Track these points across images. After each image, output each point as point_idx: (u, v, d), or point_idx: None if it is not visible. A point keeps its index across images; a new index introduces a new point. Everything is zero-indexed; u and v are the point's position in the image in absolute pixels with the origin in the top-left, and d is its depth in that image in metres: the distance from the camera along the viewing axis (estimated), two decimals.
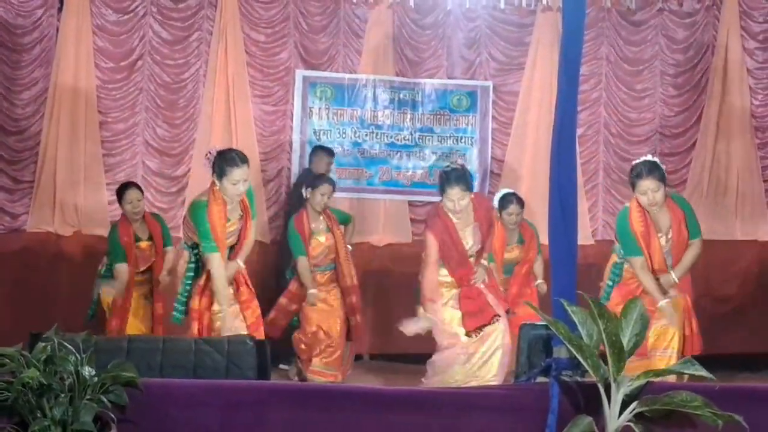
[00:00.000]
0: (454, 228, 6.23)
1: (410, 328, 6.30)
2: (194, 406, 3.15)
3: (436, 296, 6.19)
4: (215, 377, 3.49)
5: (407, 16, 9.27)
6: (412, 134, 9.30)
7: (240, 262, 5.78)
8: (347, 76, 9.21)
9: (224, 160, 5.61)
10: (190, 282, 5.76)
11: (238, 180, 5.56)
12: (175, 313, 5.86)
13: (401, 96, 9.29)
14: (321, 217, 7.49)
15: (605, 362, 3.10)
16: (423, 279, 6.27)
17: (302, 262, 7.32)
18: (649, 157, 6.01)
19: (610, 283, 6.18)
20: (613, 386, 3.08)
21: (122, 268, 7.08)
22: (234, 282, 5.76)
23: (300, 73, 9.14)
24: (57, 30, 8.77)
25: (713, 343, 8.59)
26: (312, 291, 7.30)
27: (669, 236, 5.85)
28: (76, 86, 8.74)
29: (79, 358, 2.91)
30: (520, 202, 7.62)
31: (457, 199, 6.14)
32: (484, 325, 6.05)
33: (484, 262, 6.42)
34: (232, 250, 5.79)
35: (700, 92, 9.43)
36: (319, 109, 9.19)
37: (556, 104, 3.56)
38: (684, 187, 9.24)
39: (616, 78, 9.43)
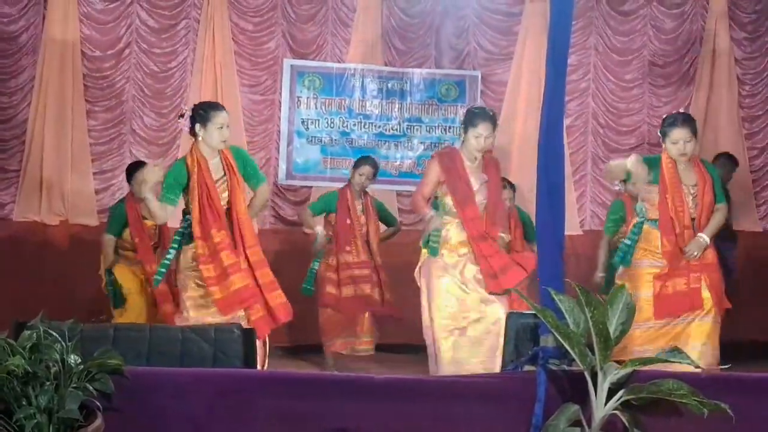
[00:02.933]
0: (463, 166, 6.00)
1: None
2: (181, 395, 3.14)
3: (427, 208, 6.06)
4: (202, 366, 3.48)
5: (396, 5, 9.26)
6: (400, 124, 9.30)
7: (254, 222, 5.70)
8: (335, 65, 9.21)
9: (207, 106, 5.71)
10: (176, 246, 5.67)
11: (223, 123, 5.55)
12: (156, 276, 5.83)
13: (389, 86, 9.29)
14: (360, 199, 7.71)
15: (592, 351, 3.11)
16: (412, 199, 6.26)
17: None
18: (681, 110, 6.03)
19: (629, 242, 6.02)
20: (600, 374, 3.08)
21: (109, 239, 7.13)
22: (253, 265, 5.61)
23: (288, 62, 9.13)
24: (44, 18, 8.73)
25: None
26: (318, 228, 7.49)
27: (694, 194, 5.85)
28: (63, 75, 8.72)
29: (64, 346, 2.89)
30: (512, 187, 7.70)
31: (485, 135, 5.91)
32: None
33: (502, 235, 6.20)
34: (229, 217, 5.61)
35: (688, 82, 9.47)
36: (307, 98, 9.18)
37: (544, 94, 3.55)
38: None
39: (605, 68, 9.45)
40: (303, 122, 9.18)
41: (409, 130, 9.32)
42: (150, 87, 8.93)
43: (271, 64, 9.15)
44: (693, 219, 5.86)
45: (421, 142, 9.33)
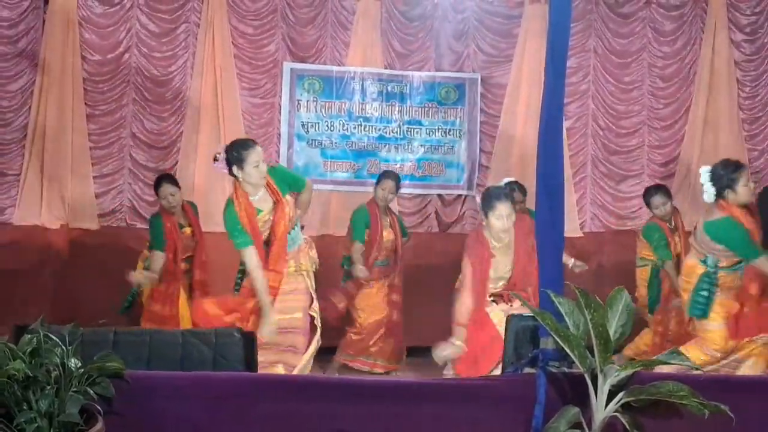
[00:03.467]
0: (489, 250, 5.82)
1: (441, 354, 5.63)
2: (181, 399, 3.14)
3: (466, 320, 5.77)
4: (202, 369, 3.48)
5: (395, 8, 9.26)
6: (400, 126, 9.30)
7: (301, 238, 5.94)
8: (335, 68, 9.20)
9: (238, 146, 5.72)
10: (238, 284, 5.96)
11: (258, 160, 5.62)
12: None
13: (389, 88, 9.28)
14: (387, 213, 7.85)
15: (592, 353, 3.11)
16: (457, 303, 5.80)
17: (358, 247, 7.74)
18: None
19: (705, 294, 6.01)
20: (600, 377, 3.08)
21: (159, 256, 7.09)
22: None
23: (288, 65, 9.13)
24: (43, 22, 8.73)
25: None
26: (360, 267, 7.55)
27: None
28: (63, 78, 8.71)
29: (65, 350, 2.89)
30: (522, 190, 7.84)
31: (506, 215, 5.70)
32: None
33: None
34: (268, 246, 5.74)
35: (688, 84, 9.47)
36: (307, 101, 9.18)
37: (543, 96, 3.55)
38: (672, 179, 9.28)
39: (604, 70, 9.45)
40: (303, 125, 9.18)
41: (409, 133, 9.31)
42: (150, 91, 8.92)
43: (270, 68, 9.15)
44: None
45: (421, 145, 9.32)
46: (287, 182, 5.87)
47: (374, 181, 8.02)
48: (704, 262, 6.04)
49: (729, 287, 5.99)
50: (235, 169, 5.65)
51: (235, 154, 5.64)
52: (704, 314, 5.98)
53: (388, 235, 7.80)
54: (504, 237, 5.79)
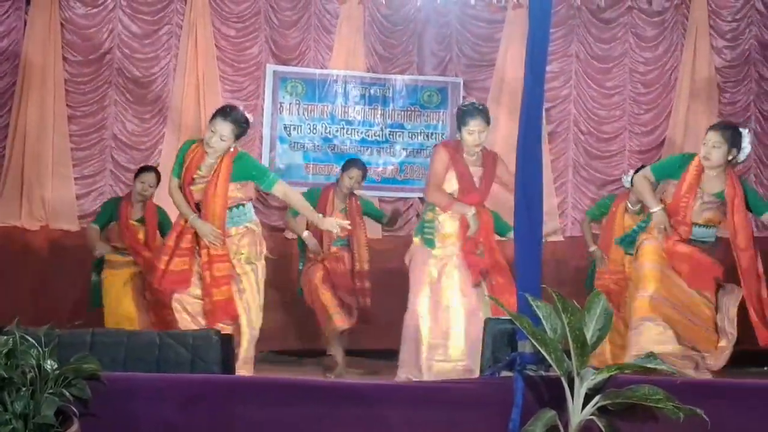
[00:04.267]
0: (464, 158, 6.17)
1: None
2: (158, 400, 3.14)
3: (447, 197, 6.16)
4: (180, 371, 3.48)
5: (378, 11, 9.27)
6: (382, 130, 9.31)
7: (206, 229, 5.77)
8: (318, 71, 9.20)
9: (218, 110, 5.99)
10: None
11: (214, 130, 5.74)
12: None
13: (372, 92, 9.29)
14: (345, 199, 7.71)
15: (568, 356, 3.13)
16: (432, 198, 6.24)
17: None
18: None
19: (636, 229, 6.24)
20: (577, 380, 3.10)
21: (92, 229, 7.36)
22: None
23: (270, 68, 9.12)
24: (25, 23, 8.70)
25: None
26: (305, 233, 7.45)
27: (706, 201, 5.90)
28: (45, 80, 8.68)
29: (41, 351, 2.89)
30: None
31: (477, 131, 6.07)
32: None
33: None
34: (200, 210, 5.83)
35: (669, 90, 9.51)
36: (290, 104, 9.18)
37: (522, 100, 3.58)
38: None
39: (586, 75, 9.48)
40: (285, 128, 9.17)
41: (391, 137, 9.32)
42: (132, 92, 8.90)
43: (253, 70, 9.14)
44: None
45: (404, 149, 9.33)
46: (247, 172, 5.89)
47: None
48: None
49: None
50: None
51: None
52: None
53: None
54: (475, 152, 6.17)
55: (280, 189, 5.94)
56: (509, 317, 3.29)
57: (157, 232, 7.32)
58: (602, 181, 9.43)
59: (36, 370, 2.85)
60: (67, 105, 8.76)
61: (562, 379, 3.12)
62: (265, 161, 9.02)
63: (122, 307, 7.10)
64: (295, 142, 9.14)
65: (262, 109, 9.13)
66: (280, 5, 9.17)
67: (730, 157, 5.83)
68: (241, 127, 5.85)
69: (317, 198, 7.59)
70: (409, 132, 9.35)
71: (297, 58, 9.22)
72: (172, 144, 8.79)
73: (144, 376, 3.28)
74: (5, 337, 2.85)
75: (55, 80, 8.69)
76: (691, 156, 6.01)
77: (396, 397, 3.38)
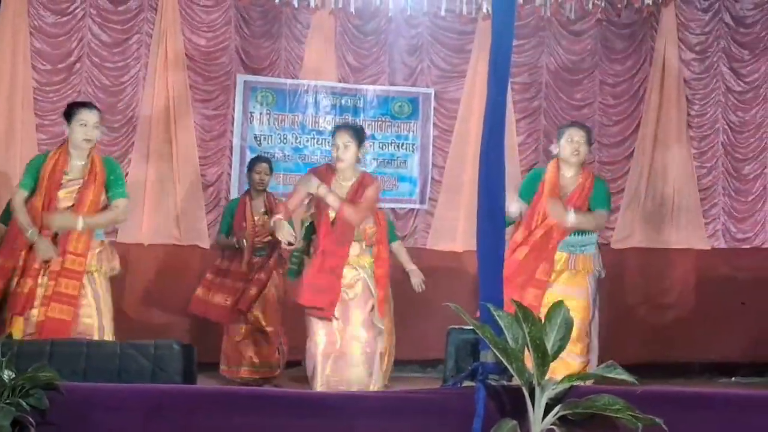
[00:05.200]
0: (331, 180, 5.74)
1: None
2: (117, 410, 3.11)
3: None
4: (141, 382, 3.46)
5: (349, 21, 9.28)
6: None
7: (80, 222, 5.41)
8: (289, 81, 9.20)
9: (73, 104, 5.79)
10: None
11: (87, 121, 5.53)
12: None
13: (343, 102, 9.30)
14: (262, 199, 7.66)
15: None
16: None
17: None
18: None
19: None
20: (537, 390, 3.10)
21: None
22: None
23: (241, 77, 9.11)
24: None
25: (652, 352, 8.77)
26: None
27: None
28: (13, 88, 8.62)
29: None
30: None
31: (341, 143, 5.67)
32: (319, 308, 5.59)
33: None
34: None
35: (638, 102, 9.57)
36: (260, 114, 9.16)
37: (485, 109, 3.59)
38: (621, 195, 9.36)
39: (556, 87, 9.53)
40: (256, 138, 9.16)
41: None
42: (101, 101, 8.80)
43: (223, 80, 9.12)
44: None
45: (374, 159, 9.34)
46: (110, 181, 5.59)
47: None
48: None
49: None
50: (65, 125, 5.63)
51: (68, 111, 5.64)
52: None
53: (261, 221, 7.58)
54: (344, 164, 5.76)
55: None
56: (472, 327, 3.29)
57: None
58: None
59: None
60: (35, 114, 8.69)
61: (524, 388, 3.12)
62: (235, 171, 9.01)
63: None
64: (265, 152, 9.11)
65: (233, 119, 9.12)
66: (250, 15, 9.16)
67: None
68: None
69: (235, 209, 7.66)
70: (380, 142, 9.36)
71: (268, 68, 9.21)
72: (142, 153, 8.77)
73: (103, 386, 3.25)
74: None
75: (24, 89, 8.63)
76: (542, 169, 6.28)
77: (360, 407, 3.37)
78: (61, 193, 5.48)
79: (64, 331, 5.17)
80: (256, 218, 7.61)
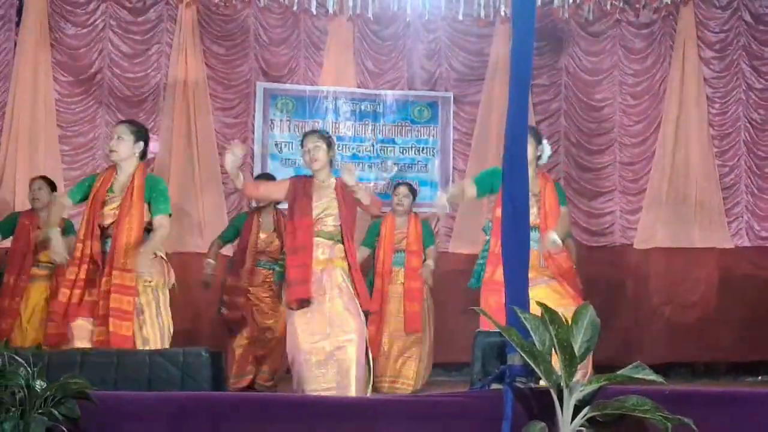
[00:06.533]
0: (311, 185, 5.77)
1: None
2: (147, 418, 3.13)
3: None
4: (170, 390, 3.48)
5: (367, 27, 9.31)
6: (373, 145, 9.33)
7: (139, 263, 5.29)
8: (308, 88, 9.24)
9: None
10: None
11: (113, 134, 5.59)
12: None
13: (362, 107, 9.32)
14: (271, 216, 7.54)
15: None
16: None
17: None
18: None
19: (481, 261, 6.11)
20: (566, 392, 3.10)
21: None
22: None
23: (261, 85, 9.15)
24: (15, 44, 8.71)
25: (677, 352, 8.75)
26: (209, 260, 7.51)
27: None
28: (35, 100, 8.69)
29: (29, 371, 2.89)
30: (411, 188, 7.96)
31: (312, 145, 5.70)
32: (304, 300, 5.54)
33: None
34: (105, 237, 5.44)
35: (658, 101, 9.54)
36: (281, 121, 9.20)
37: (508, 113, 3.59)
38: (643, 196, 9.33)
39: (576, 88, 9.51)
40: (276, 145, 9.20)
41: (382, 152, 9.35)
42: (123, 112, 8.89)
43: (243, 88, 9.17)
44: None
45: (395, 164, 9.35)
46: (152, 196, 5.51)
47: None
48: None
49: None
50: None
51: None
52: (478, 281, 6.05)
53: (266, 237, 7.53)
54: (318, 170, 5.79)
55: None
56: (498, 330, 3.29)
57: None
58: (593, 193, 9.45)
59: (25, 390, 2.85)
60: (57, 125, 8.77)
61: (552, 391, 3.12)
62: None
63: None
64: (286, 159, 9.16)
65: (253, 127, 9.16)
66: (269, 23, 9.20)
67: (538, 153, 6.12)
68: None
69: (243, 222, 7.60)
70: (400, 147, 9.38)
71: (287, 75, 9.26)
72: (164, 162, 8.81)
73: (133, 394, 3.28)
74: None
75: (46, 100, 8.70)
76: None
77: (388, 411, 3.38)
78: (106, 210, 5.49)
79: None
80: (262, 235, 7.50)
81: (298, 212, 5.71)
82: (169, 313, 5.49)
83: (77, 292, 5.25)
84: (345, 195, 5.70)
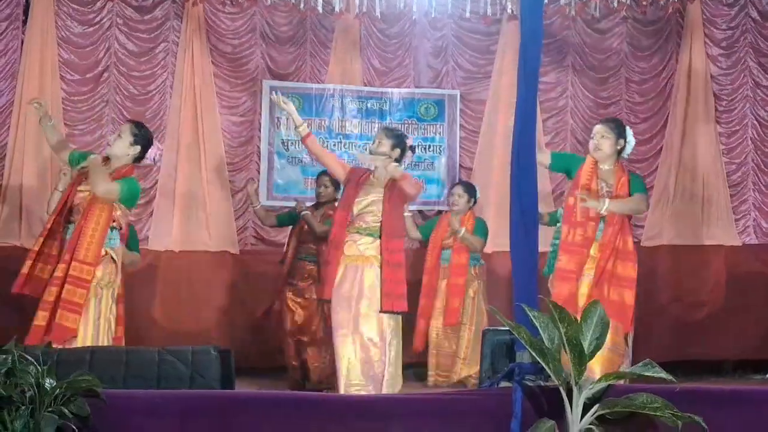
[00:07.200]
0: (362, 183, 6.04)
1: None
2: (157, 416, 3.14)
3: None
4: (180, 388, 3.48)
5: (374, 25, 9.30)
6: None
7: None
8: (315, 86, 9.23)
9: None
10: None
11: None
12: None
13: (369, 105, 9.32)
14: (321, 211, 7.72)
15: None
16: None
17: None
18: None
19: (556, 242, 6.11)
20: (575, 389, 3.10)
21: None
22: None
23: (267, 83, 9.14)
24: (22, 42, 8.71)
25: (684, 349, 8.73)
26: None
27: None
28: (42, 98, 8.63)
29: (39, 369, 2.90)
30: (467, 188, 8.11)
31: (375, 141, 6.17)
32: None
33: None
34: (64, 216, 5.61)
35: (665, 99, 9.52)
36: (287, 119, 9.16)
37: (516, 111, 3.59)
38: (651, 193, 9.29)
39: (582, 86, 9.50)
40: (283, 143, 9.19)
41: None
42: (129, 110, 8.90)
43: (250, 86, 9.17)
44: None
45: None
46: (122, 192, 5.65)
47: None
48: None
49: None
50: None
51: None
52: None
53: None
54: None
55: None
56: (507, 328, 3.29)
57: None
58: None
59: (35, 388, 2.86)
60: (64, 123, 8.75)
61: (561, 388, 3.12)
62: (263, 176, 9.04)
63: None
64: (292, 157, 9.16)
65: (260, 125, 9.15)
66: (275, 21, 9.20)
67: (618, 148, 6.05)
68: None
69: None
70: None
71: (293, 73, 9.25)
72: (170, 161, 8.82)
73: (143, 392, 3.28)
74: (4, 356, 2.86)
75: (53, 99, 8.69)
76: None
77: (398, 409, 3.38)
78: (80, 188, 5.64)
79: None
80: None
81: (341, 204, 6.07)
82: (114, 313, 5.55)
83: (28, 263, 5.48)
84: (392, 192, 5.81)
